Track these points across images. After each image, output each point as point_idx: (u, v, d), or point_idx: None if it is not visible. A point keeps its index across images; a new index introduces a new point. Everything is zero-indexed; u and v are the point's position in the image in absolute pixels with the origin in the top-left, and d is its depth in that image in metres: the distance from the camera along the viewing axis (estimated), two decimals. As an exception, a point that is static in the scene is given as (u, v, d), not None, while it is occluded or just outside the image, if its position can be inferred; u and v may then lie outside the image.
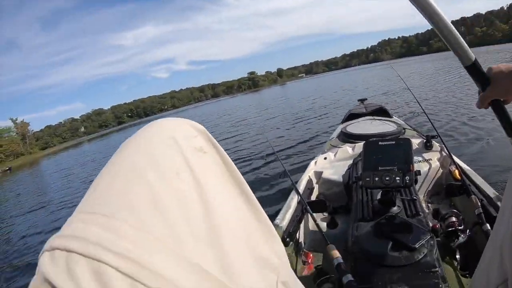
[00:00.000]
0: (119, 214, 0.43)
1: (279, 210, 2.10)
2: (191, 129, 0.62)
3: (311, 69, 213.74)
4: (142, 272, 0.39)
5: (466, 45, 0.87)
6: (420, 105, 3.24)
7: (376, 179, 1.55)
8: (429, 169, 2.35)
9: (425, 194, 2.37)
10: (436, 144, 2.57)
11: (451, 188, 2.04)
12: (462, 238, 1.59)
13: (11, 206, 13.11)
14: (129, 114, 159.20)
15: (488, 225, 1.53)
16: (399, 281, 1.19)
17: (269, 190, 5.02)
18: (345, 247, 1.58)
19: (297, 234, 1.98)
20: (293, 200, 2.13)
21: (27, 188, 18.58)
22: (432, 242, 1.33)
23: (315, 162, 2.71)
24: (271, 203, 4.08)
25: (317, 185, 2.55)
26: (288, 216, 1.97)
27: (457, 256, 1.61)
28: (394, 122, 3.39)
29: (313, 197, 2.42)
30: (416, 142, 2.58)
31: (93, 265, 0.37)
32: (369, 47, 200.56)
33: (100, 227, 0.41)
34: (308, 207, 1.91)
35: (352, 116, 4.03)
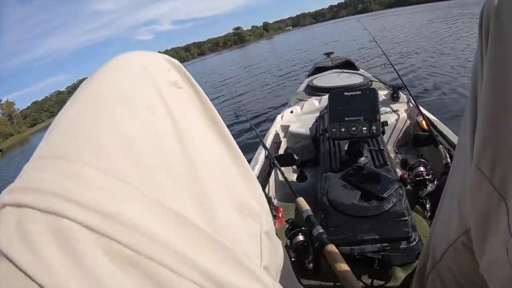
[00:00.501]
0: (83, 156, 0.36)
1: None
2: (165, 62, 0.54)
3: (298, 22, 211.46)
4: (114, 226, 0.32)
5: None
6: (387, 57, 3.20)
7: (343, 129, 1.55)
8: (396, 120, 2.35)
9: (393, 145, 2.38)
10: (403, 96, 2.56)
11: (418, 139, 2.04)
12: (430, 187, 1.60)
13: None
14: None
15: None
16: (369, 230, 1.19)
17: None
18: (315, 199, 1.58)
19: (267, 189, 1.97)
20: (261, 155, 2.11)
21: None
22: (400, 191, 1.33)
23: (282, 116, 2.69)
24: None
25: (284, 139, 2.53)
26: (256, 171, 1.95)
27: (426, 205, 1.62)
28: (361, 74, 3.36)
29: (281, 151, 2.40)
30: (383, 93, 2.57)
31: (52, 221, 0.30)
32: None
33: (60, 174, 0.34)
34: (275, 161, 1.91)
35: (318, 70, 4.00)
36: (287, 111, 2.72)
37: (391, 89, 2.62)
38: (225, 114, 7.23)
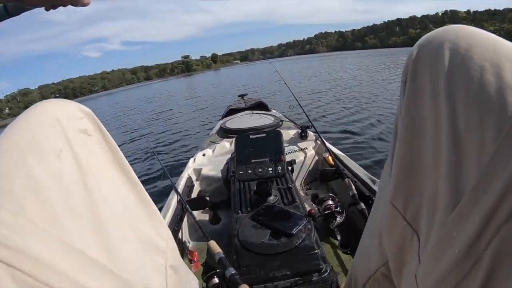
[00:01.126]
0: None
1: (160, 211, 2.03)
2: (77, 111, 0.61)
3: (246, 56, 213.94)
4: (20, 259, 0.38)
5: None
6: (296, 98, 3.32)
7: (249, 171, 1.59)
8: (305, 157, 2.44)
9: (303, 181, 2.45)
10: (311, 134, 2.67)
11: (326, 173, 2.12)
12: (339, 219, 1.64)
13: None
14: (57, 95, 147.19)
15: (362, 204, 1.63)
16: (281, 267, 1.20)
17: (148, 191, 4.80)
18: (228, 241, 1.56)
19: (180, 234, 1.93)
20: (173, 200, 2.06)
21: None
22: (309, 226, 1.36)
23: (194, 159, 2.68)
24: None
25: (197, 182, 2.51)
26: (168, 217, 1.90)
27: (337, 236, 1.69)
28: (272, 115, 3.46)
29: (194, 195, 2.37)
30: (291, 132, 2.67)
31: None
32: (306, 38, 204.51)
33: None
34: (187, 205, 1.89)
35: (232, 111, 4.04)
36: (199, 154, 2.72)
37: (299, 128, 2.72)
38: (143, 152, 7.14)
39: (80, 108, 0.62)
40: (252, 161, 1.62)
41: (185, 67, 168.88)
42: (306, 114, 2.95)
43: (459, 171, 0.43)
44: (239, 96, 5.09)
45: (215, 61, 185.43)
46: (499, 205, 0.35)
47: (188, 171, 2.51)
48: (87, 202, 0.51)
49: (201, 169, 2.53)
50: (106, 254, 0.50)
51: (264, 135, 1.70)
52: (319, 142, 2.53)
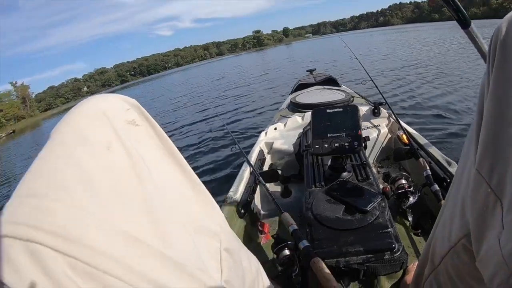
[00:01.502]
0: (50, 193, 0.44)
1: (233, 182, 2.10)
2: (123, 103, 0.63)
3: (318, 30, 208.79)
4: (75, 248, 0.41)
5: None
6: (368, 73, 3.23)
7: (325, 146, 1.59)
8: (378, 134, 2.41)
9: (375, 159, 2.43)
10: (384, 111, 2.61)
11: (399, 152, 2.08)
12: (412, 199, 1.63)
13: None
14: (132, 73, 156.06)
15: (436, 185, 1.59)
16: (354, 243, 1.21)
17: (222, 164, 4.99)
18: (300, 214, 1.59)
19: (252, 205, 1.99)
20: (245, 172, 2.13)
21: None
22: (383, 204, 1.37)
23: (266, 133, 2.72)
24: (225, 177, 4.13)
25: (268, 155, 2.56)
26: (241, 188, 1.98)
27: (409, 217, 1.66)
28: (342, 90, 3.42)
29: (265, 168, 2.43)
30: (364, 109, 2.62)
31: (28, 246, 0.38)
32: (379, 10, 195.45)
33: (32, 208, 0.42)
34: (260, 177, 1.92)
35: (301, 86, 4.04)
36: (271, 128, 2.75)
37: (372, 104, 2.67)
38: (215, 126, 7.29)
39: (125, 99, 0.64)
40: (328, 135, 1.61)
41: (257, 41, 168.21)
42: (379, 90, 2.88)
43: None
44: (307, 71, 5.04)
45: (286, 35, 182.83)
46: None
47: (260, 144, 2.56)
48: (139, 190, 0.53)
49: (273, 142, 2.56)
50: (161, 240, 0.52)
51: (341, 109, 1.69)
52: (392, 120, 2.49)
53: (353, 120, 1.63)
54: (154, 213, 0.53)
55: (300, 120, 2.73)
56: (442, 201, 1.48)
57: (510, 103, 0.49)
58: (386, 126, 2.48)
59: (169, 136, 0.67)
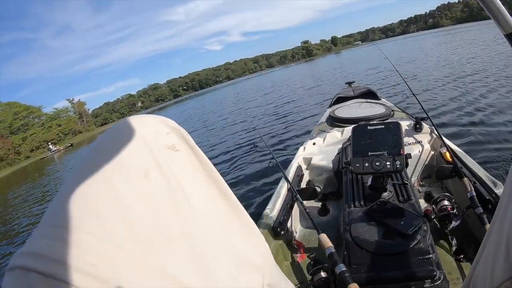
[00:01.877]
0: (83, 225, 0.39)
1: (269, 199, 2.08)
2: (162, 126, 0.59)
3: (367, 36, 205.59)
4: None
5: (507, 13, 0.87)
6: (408, 86, 3.13)
7: (366, 164, 1.56)
8: (420, 151, 2.33)
9: (417, 177, 2.35)
10: (426, 126, 2.53)
11: (442, 171, 1.99)
12: (455, 222, 1.57)
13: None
14: (184, 87, 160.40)
15: (481, 208, 1.51)
16: (393, 269, 1.18)
17: (258, 179, 4.90)
18: (337, 233, 1.59)
19: (289, 223, 1.96)
20: (283, 189, 2.11)
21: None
22: (425, 227, 1.32)
23: (304, 148, 2.69)
24: (261, 192, 4.07)
25: (307, 171, 2.52)
26: (278, 205, 1.96)
27: (452, 241, 1.60)
28: (382, 104, 3.35)
29: (303, 184, 2.39)
30: (405, 124, 2.54)
31: (55, 285, 0.34)
32: (428, 12, 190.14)
33: (62, 242, 0.37)
34: (298, 195, 1.89)
35: (340, 100, 3.99)
36: (309, 143, 2.72)
37: (413, 119, 2.58)
38: (252, 139, 7.11)
39: (165, 122, 0.60)
40: (369, 153, 1.58)
41: (306, 52, 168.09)
42: (420, 105, 2.78)
43: None
44: (346, 83, 4.97)
45: (335, 44, 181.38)
46: None
47: (298, 160, 2.54)
48: (178, 222, 0.50)
49: (311, 158, 2.54)
50: (201, 277, 0.48)
51: (383, 126, 1.65)
52: (435, 136, 2.41)
53: (395, 138, 1.59)
54: (195, 248, 0.50)
55: (339, 135, 2.68)
56: (487, 225, 1.40)
57: None
58: (428, 143, 2.40)
59: (211, 157, 0.63)
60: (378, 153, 1.57)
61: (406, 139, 2.38)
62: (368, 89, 4.08)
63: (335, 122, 3.09)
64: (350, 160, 1.64)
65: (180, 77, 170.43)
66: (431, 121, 2.45)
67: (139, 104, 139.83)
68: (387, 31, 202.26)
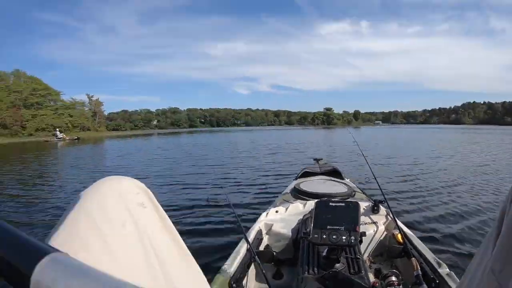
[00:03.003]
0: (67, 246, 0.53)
1: (228, 256, 2.13)
2: (134, 187, 0.75)
3: (389, 118, 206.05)
4: None
5: None
6: (372, 171, 3.36)
7: (324, 236, 1.68)
8: (374, 231, 2.47)
9: (369, 254, 2.47)
10: (382, 209, 2.71)
11: (393, 250, 2.15)
12: None
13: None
14: (202, 120, 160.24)
15: (425, 285, 1.65)
16: None
17: (219, 235, 4.80)
18: None
19: (244, 281, 2.00)
20: (242, 248, 2.16)
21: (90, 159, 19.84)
22: None
23: (266, 214, 2.77)
24: (220, 249, 4.02)
25: (266, 236, 2.60)
26: (236, 262, 2.00)
27: None
28: (345, 184, 3.55)
29: (261, 247, 2.46)
30: (364, 205, 2.69)
31: None
32: (452, 107, 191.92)
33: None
34: (256, 256, 1.96)
35: (306, 174, 4.19)
36: (272, 210, 2.81)
37: (372, 201, 2.76)
38: (219, 198, 6.58)
39: (136, 184, 0.76)
40: (328, 227, 1.70)
41: (326, 118, 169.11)
42: (380, 189, 2.98)
43: None
44: (314, 159, 5.23)
45: (356, 118, 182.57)
46: None
47: (260, 224, 2.62)
48: (145, 259, 0.64)
49: (273, 224, 2.62)
50: None
51: (343, 204, 1.80)
52: (390, 218, 2.57)
53: (353, 216, 1.73)
54: (156, 275, 0.65)
55: (302, 207, 2.80)
56: None
57: None
58: (383, 224, 2.54)
59: (170, 214, 0.77)
60: (336, 227, 1.69)
61: (363, 219, 2.52)
62: (334, 168, 4.33)
63: (299, 194, 3.23)
64: (310, 231, 1.75)
65: (201, 109, 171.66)
66: (387, 204, 2.63)
67: (155, 122, 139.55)
68: (409, 117, 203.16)
